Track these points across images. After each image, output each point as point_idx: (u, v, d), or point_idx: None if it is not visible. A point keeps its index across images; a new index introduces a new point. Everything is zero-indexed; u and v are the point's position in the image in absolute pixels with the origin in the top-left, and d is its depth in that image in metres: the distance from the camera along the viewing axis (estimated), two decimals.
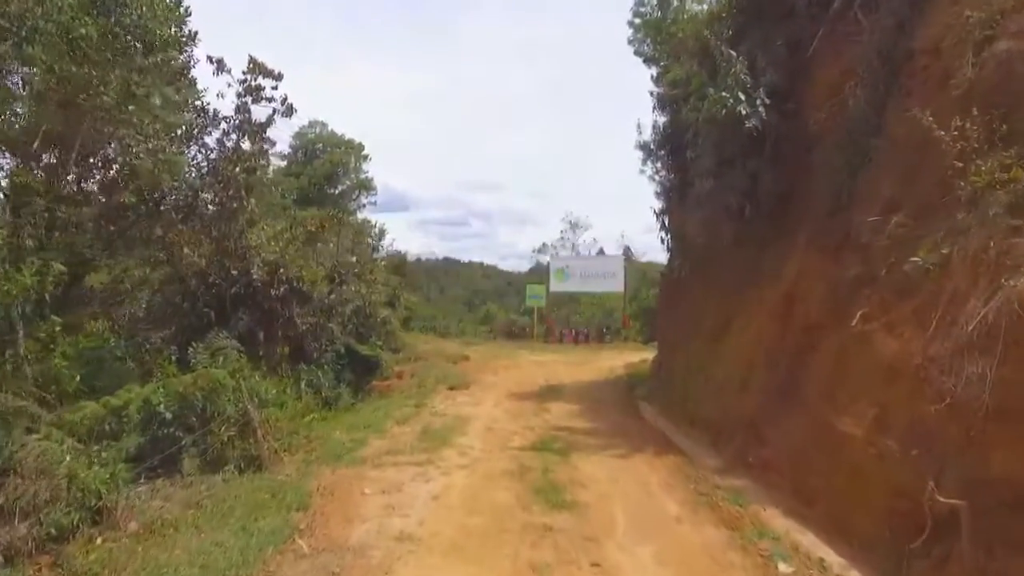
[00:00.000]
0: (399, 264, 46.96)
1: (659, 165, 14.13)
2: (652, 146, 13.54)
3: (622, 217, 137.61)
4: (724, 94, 9.02)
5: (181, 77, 9.88)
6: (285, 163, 38.81)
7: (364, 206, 40.44)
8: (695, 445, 9.11)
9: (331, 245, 20.64)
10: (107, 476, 5.92)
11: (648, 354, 21.80)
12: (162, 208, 9.36)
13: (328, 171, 37.17)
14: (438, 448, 8.57)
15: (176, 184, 9.77)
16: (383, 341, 20.70)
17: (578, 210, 39.40)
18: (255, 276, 10.23)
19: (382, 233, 45.13)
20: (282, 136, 39.48)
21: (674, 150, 13.04)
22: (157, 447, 7.22)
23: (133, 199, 9.13)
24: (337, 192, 39.02)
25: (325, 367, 18.40)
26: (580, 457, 8.16)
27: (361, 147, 39.14)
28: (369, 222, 43.99)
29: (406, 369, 19.11)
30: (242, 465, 7.46)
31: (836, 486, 6.27)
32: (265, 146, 11.37)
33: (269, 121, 11.31)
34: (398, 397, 14.23)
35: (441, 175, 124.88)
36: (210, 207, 9.86)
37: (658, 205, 14.41)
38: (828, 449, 6.48)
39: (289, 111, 11.56)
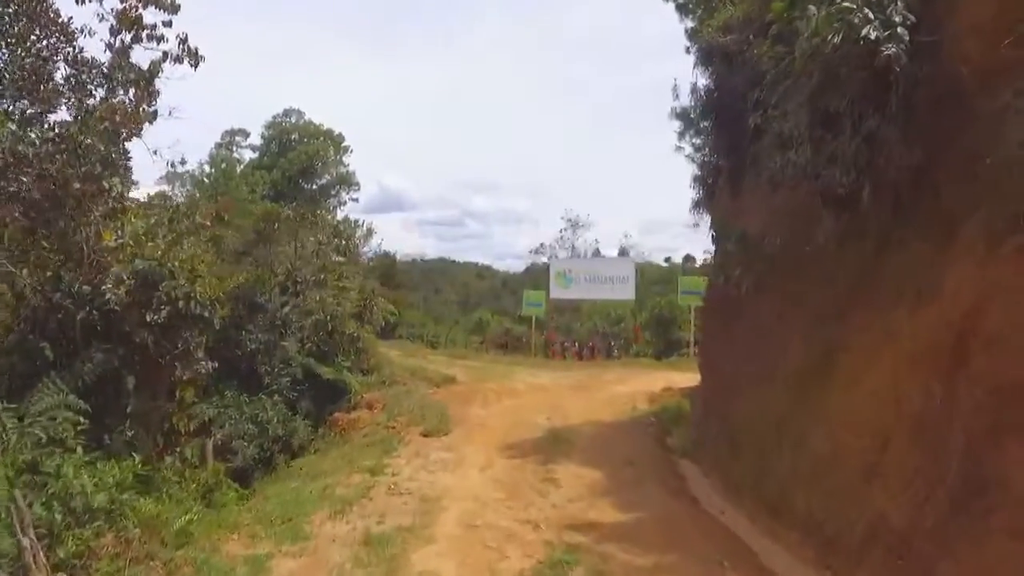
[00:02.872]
0: (388, 266, 43.66)
1: (699, 141, 10.81)
2: (692, 114, 10.21)
3: (621, 218, 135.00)
4: (847, 3, 5.68)
5: None
6: (256, 155, 35.48)
7: (345, 203, 37.00)
8: (794, 563, 5.76)
9: (290, 247, 17.26)
10: None
11: (668, 374, 18.46)
12: None
13: (304, 164, 33.64)
14: None
15: None
16: (352, 361, 17.30)
17: (578, 209, 36.09)
18: (108, 295, 6.84)
19: (369, 233, 41.76)
20: (254, 128, 36.09)
21: (724, 118, 9.71)
22: None
23: None
24: (315, 188, 35.55)
25: (276, 396, 15.12)
26: None
27: (341, 138, 35.68)
28: (350, 221, 40.68)
29: (378, 397, 15.71)
30: None
31: None
32: (152, 106, 7.95)
33: (156, 69, 7.91)
34: (355, 446, 10.86)
35: (438, 175, 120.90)
36: (36, 190, 6.38)
37: (697, 193, 11.11)
38: None
39: (191, 56, 8.16)
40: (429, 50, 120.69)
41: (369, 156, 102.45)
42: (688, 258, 63.14)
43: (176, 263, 7.37)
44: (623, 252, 30.78)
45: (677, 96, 10.14)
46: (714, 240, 9.97)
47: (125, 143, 8.32)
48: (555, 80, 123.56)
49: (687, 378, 17.29)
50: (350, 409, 15.64)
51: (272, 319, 15.48)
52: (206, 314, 7.47)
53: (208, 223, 8.46)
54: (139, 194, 8.37)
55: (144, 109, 7.84)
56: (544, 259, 31.82)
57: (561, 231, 29.74)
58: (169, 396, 7.94)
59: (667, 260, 57.00)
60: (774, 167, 7.30)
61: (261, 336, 15.68)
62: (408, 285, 57.24)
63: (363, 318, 17.19)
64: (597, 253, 30.58)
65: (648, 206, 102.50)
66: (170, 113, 7.65)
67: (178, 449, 7.96)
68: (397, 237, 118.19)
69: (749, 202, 9.10)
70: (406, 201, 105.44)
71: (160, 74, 7.98)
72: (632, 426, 11.28)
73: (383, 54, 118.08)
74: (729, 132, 9.67)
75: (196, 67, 8.46)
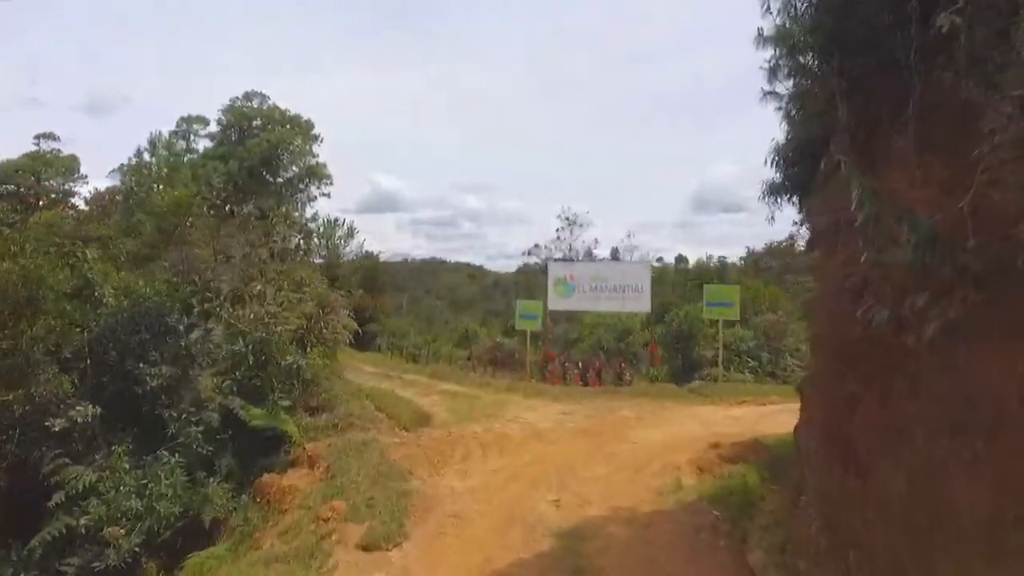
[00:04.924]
0: (370, 268, 39.72)
1: (789, 88, 6.98)
2: (795, 40, 6.36)
3: (611, 219, 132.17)
4: None
5: None
6: (213, 144, 31.44)
7: (315, 198, 32.98)
8: None
9: (208, 250, 13.22)
10: None
11: (701, 411, 14.65)
12: None
13: (266, 153, 29.50)
14: None
15: None
16: (293, 399, 13.32)
17: (576, 207, 32.03)
18: None
19: (350, 232, 37.88)
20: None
21: (849, 38, 5.85)
22: None
23: None
24: (280, 181, 31.49)
25: (178, 454, 11.16)
26: None
27: (310, 125, 31.58)
28: (325, 219, 36.71)
29: (323, 450, 11.75)
30: None
31: None
32: None
33: None
34: (256, 562, 6.95)
35: (433, 176, 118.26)
36: None
37: (777, 169, 7.31)
38: None
39: None
40: (425, 51, 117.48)
41: (364, 156, 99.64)
42: (681, 259, 60.44)
43: None
44: (615, 255, 26.62)
45: (769, 9, 6.28)
46: (824, 240, 6.13)
47: None
48: (551, 80, 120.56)
49: (728, 419, 13.51)
50: (287, 466, 11.75)
51: (178, 347, 11.57)
52: None
53: None
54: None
55: None
56: (537, 260, 27.75)
57: (558, 231, 25.75)
58: None
59: (659, 260, 54.67)
60: None
61: (166, 369, 11.77)
62: (397, 286, 53.65)
63: (307, 342, 13.15)
64: (589, 254, 26.44)
65: (639, 207, 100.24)
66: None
67: None
68: (390, 237, 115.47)
69: (913, 177, 5.28)
70: (401, 201, 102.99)
71: None
72: (686, 525, 7.35)
73: (379, 55, 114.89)
74: (861, 60, 5.83)
75: None
